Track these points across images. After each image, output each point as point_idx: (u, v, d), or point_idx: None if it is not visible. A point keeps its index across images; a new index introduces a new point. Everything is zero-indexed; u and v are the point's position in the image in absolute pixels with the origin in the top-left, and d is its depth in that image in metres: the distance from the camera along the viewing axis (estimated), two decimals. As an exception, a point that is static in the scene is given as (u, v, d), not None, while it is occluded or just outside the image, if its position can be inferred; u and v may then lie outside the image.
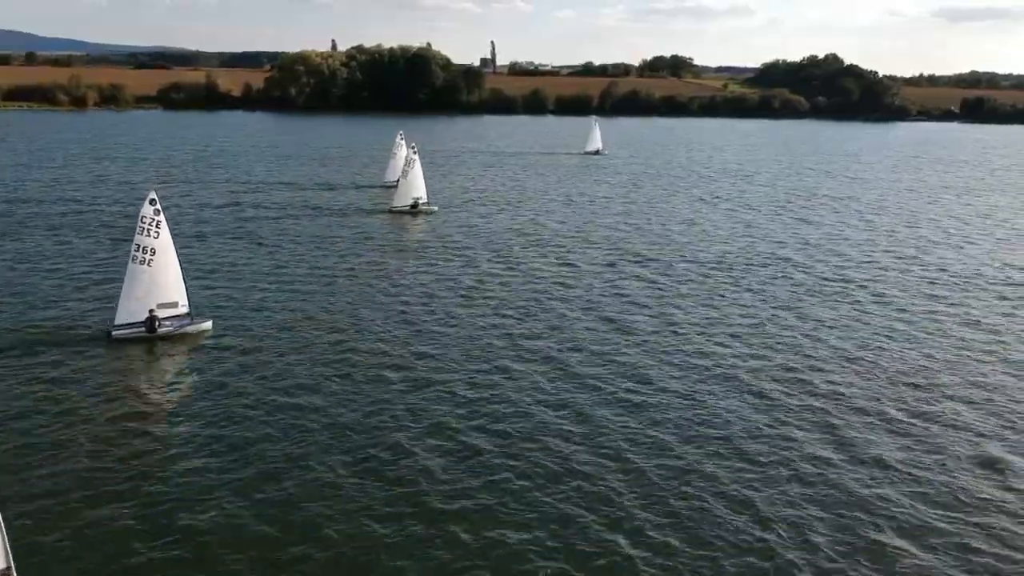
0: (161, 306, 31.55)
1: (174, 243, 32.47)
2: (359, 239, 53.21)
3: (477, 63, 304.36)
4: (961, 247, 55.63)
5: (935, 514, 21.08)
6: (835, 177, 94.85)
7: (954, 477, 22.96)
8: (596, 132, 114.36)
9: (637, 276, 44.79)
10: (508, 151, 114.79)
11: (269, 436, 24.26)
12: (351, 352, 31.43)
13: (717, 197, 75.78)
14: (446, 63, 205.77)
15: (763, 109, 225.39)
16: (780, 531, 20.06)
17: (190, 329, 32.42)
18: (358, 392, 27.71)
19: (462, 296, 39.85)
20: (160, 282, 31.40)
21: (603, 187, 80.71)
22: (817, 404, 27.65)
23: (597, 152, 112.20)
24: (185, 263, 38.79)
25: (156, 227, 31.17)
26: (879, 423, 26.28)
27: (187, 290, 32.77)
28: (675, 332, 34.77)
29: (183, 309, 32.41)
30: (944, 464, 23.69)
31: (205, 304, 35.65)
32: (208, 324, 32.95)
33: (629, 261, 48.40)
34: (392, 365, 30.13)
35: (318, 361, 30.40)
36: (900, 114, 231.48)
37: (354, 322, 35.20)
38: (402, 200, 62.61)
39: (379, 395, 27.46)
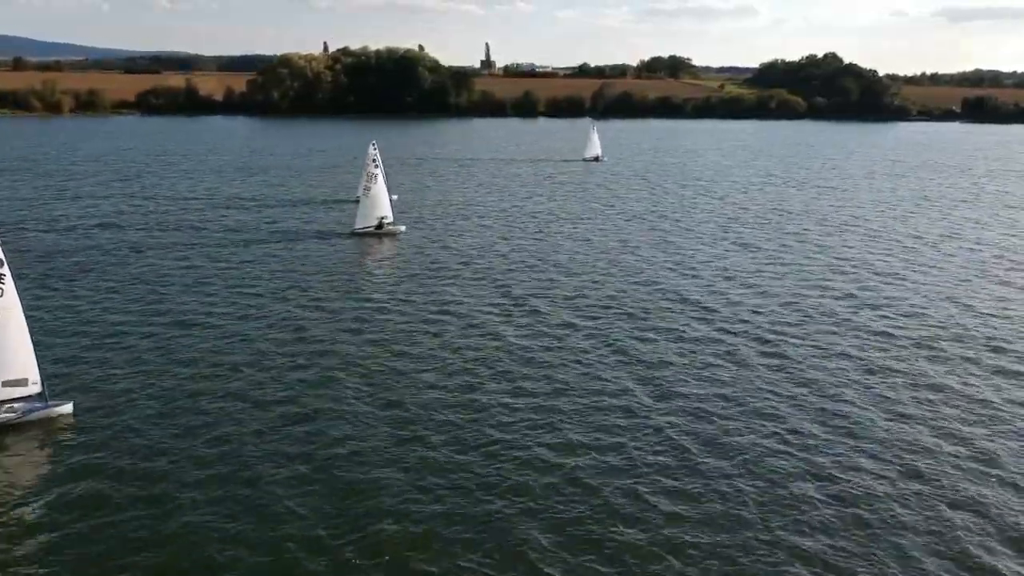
0: (7, 384, 25.17)
1: (29, 299, 27.14)
2: (302, 273, 45.92)
3: (478, 65, 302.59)
4: (917, 282, 46.43)
5: None
6: (804, 187, 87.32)
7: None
8: (595, 137, 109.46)
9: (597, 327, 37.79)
10: (498, 158, 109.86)
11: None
12: (262, 437, 25.16)
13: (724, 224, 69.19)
14: (434, 65, 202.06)
15: (760, 110, 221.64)
16: None
17: (42, 415, 25.74)
18: (262, 498, 21.91)
19: (410, 354, 32.82)
20: (4, 354, 25.06)
21: (600, 204, 73.26)
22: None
23: (596, 159, 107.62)
24: (43, 325, 32.94)
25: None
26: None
27: (40, 363, 26.10)
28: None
29: (35, 388, 25.65)
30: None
31: (67, 381, 28.74)
32: (68, 407, 26.34)
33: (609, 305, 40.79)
34: (321, 459, 24.09)
35: (218, 459, 23.71)
36: (900, 114, 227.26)
37: (272, 395, 28.36)
38: (365, 220, 57.56)
39: (308, 505, 21.80)
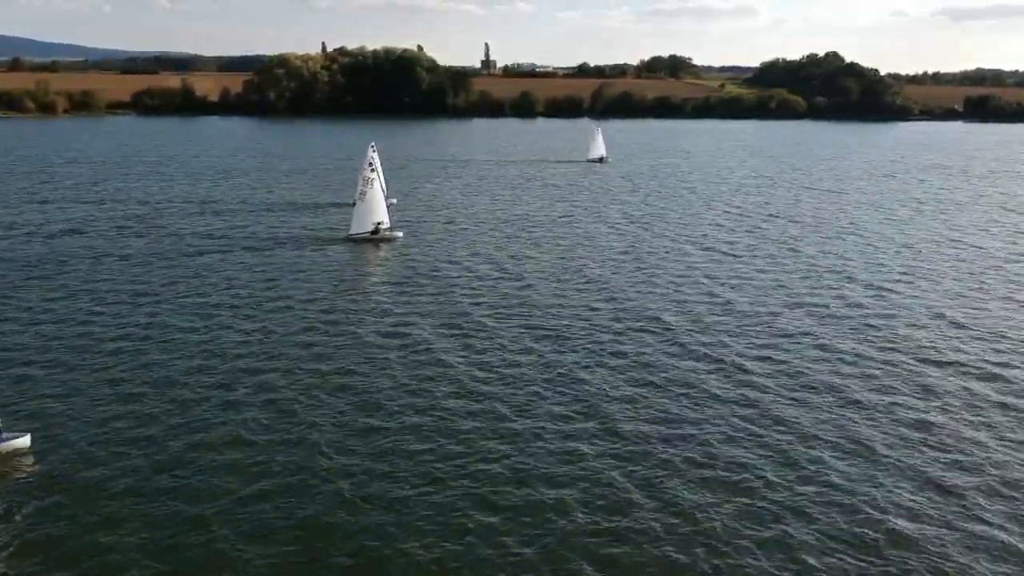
0: None
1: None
2: (289, 283, 43.21)
3: (478, 65, 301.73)
4: (902, 293, 43.54)
5: None
6: (793, 190, 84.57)
7: None
8: (598, 138, 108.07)
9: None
10: (497, 160, 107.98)
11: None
12: (236, 470, 23.01)
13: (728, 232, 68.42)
14: (432, 65, 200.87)
15: (760, 110, 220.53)
16: None
17: None
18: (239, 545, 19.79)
19: (345, 378, 30.02)
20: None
21: (593, 208, 71.00)
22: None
23: (601, 160, 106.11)
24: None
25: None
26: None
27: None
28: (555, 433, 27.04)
29: None
30: None
31: (22, 411, 26.29)
32: (24, 440, 24.20)
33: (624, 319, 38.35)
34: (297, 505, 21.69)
35: (188, 493, 21.80)
36: (901, 114, 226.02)
37: (244, 423, 25.98)
38: (360, 226, 55.39)
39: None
